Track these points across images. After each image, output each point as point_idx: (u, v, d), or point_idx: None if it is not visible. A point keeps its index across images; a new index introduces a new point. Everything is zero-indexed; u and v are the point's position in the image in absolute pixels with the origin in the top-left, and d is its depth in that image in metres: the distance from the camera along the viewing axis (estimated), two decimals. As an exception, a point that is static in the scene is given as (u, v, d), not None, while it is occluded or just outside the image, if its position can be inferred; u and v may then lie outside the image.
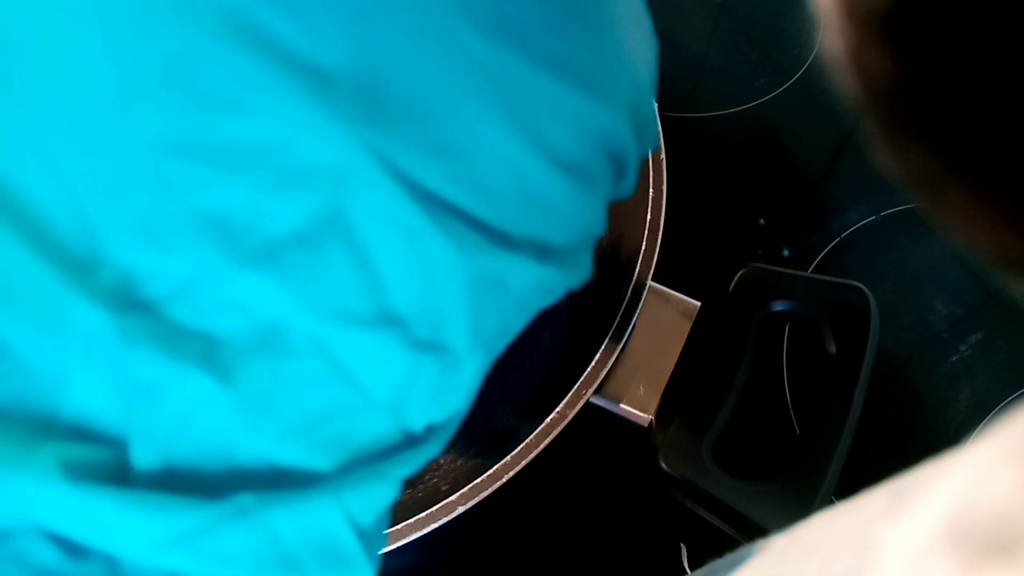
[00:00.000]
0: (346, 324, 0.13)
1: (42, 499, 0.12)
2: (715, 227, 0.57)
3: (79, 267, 0.12)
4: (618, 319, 0.42)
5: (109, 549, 0.13)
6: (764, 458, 0.50)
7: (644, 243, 0.43)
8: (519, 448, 0.38)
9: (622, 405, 0.43)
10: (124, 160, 0.11)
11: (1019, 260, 0.13)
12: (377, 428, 0.15)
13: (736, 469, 0.40)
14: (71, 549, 0.12)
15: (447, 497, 0.37)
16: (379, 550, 0.16)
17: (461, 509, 0.37)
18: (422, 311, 0.14)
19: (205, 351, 0.12)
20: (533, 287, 0.15)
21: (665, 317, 0.44)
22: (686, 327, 0.44)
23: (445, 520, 0.37)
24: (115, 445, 0.12)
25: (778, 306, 0.44)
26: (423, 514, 0.36)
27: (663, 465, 0.40)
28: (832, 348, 0.42)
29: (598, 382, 0.41)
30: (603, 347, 0.41)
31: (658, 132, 0.15)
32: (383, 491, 0.15)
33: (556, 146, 0.14)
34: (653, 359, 0.44)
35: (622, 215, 0.50)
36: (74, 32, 0.10)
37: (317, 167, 0.12)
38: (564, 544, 0.48)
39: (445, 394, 0.15)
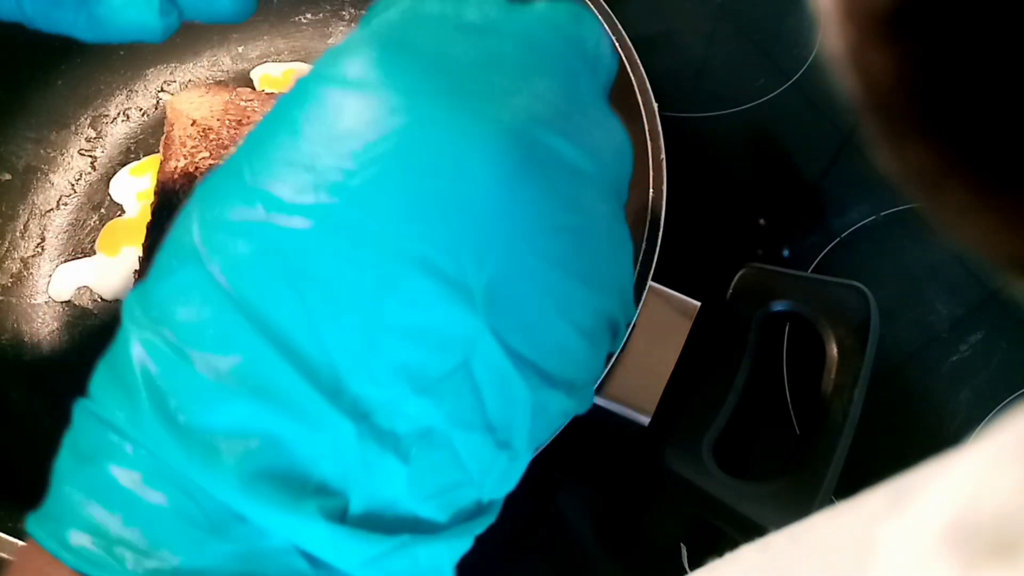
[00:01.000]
0: (465, 429, 0.23)
1: (302, 530, 0.21)
2: (715, 227, 0.57)
3: (332, 393, 0.21)
4: (618, 319, 0.42)
5: (335, 564, 0.22)
6: (764, 458, 0.50)
7: (644, 243, 0.43)
8: (519, 448, 0.38)
9: (622, 405, 0.43)
10: (358, 336, 0.21)
11: (1019, 260, 0.13)
12: (470, 498, 0.24)
13: (736, 469, 0.40)
14: (314, 562, 0.22)
15: (447, 497, 0.37)
16: None
17: (461, 509, 0.37)
18: (504, 423, 0.23)
19: (395, 444, 0.22)
20: (560, 412, 0.25)
21: (665, 317, 0.44)
22: (686, 327, 0.44)
23: (445, 520, 0.37)
24: (341, 498, 0.22)
25: (778, 306, 0.44)
26: (423, 514, 0.36)
27: (663, 465, 0.40)
28: (832, 348, 0.42)
29: (598, 382, 0.41)
30: (603, 347, 0.41)
31: (635, 305, 0.29)
32: (467, 544, 0.24)
33: (583, 326, 0.24)
34: (653, 359, 0.44)
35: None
36: (332, 270, 0.21)
37: (460, 338, 0.22)
38: (564, 544, 0.48)
39: (508, 479, 0.25)
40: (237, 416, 0.21)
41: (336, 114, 0.22)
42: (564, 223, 0.23)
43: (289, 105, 0.23)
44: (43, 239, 0.53)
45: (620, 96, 0.48)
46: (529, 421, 0.23)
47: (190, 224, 0.23)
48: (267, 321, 0.21)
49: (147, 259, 0.49)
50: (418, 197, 0.21)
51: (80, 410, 0.23)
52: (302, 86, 0.24)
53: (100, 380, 0.23)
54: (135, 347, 0.22)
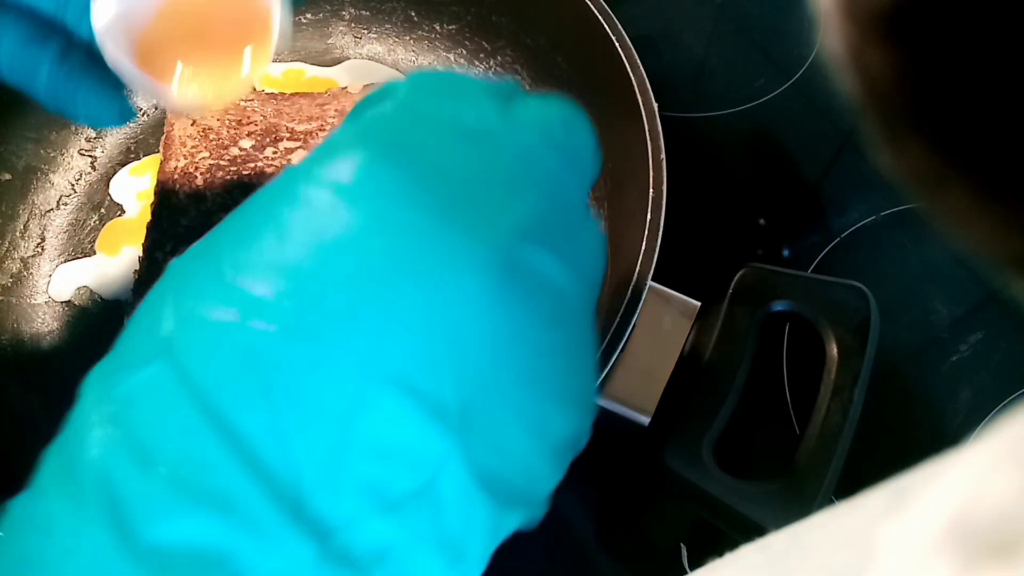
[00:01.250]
0: (423, 548, 0.22)
1: None
2: (715, 227, 0.57)
3: (293, 510, 0.20)
4: (618, 319, 0.42)
5: None
6: (764, 458, 0.50)
7: (644, 243, 0.43)
8: (519, 448, 0.38)
9: (622, 405, 0.43)
10: (326, 451, 0.21)
11: (1019, 260, 0.13)
12: None
13: (736, 469, 0.40)
14: None
15: (447, 497, 0.37)
16: None
17: (461, 509, 0.37)
18: (462, 541, 0.22)
19: (354, 565, 0.21)
20: (515, 525, 0.24)
21: (665, 317, 0.44)
22: (686, 327, 0.44)
23: (445, 520, 0.37)
24: None
25: (778, 306, 0.44)
26: (423, 514, 0.36)
27: (663, 465, 0.40)
28: (832, 348, 0.42)
29: (598, 382, 0.41)
30: (603, 347, 0.41)
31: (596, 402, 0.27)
32: None
33: (552, 446, 0.24)
34: (653, 359, 0.44)
35: (623, 215, 0.50)
36: (307, 381, 0.21)
37: (428, 457, 0.21)
38: (564, 544, 0.48)
39: None
40: (192, 529, 0.20)
41: (322, 220, 0.22)
42: (544, 343, 0.23)
43: (276, 201, 0.23)
44: (43, 239, 0.53)
45: (620, 96, 0.48)
46: (487, 539, 0.23)
47: (163, 311, 0.22)
48: (234, 430, 0.20)
49: (147, 259, 0.49)
50: (401, 312, 0.21)
51: (21, 504, 0.22)
52: (291, 182, 0.23)
53: (51, 471, 0.22)
54: (92, 444, 0.21)
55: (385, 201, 0.22)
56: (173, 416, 0.21)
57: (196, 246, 0.24)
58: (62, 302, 0.51)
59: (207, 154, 0.50)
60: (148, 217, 0.50)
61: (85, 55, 0.32)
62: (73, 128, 0.56)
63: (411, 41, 0.60)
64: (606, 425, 0.44)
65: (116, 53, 0.30)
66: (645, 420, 0.43)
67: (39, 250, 0.53)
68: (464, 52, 0.59)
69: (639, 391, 0.43)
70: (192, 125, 0.51)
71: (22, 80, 0.31)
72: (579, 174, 0.25)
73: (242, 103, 0.52)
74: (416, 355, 0.21)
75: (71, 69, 0.31)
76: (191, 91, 0.31)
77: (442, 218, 0.22)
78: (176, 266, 0.23)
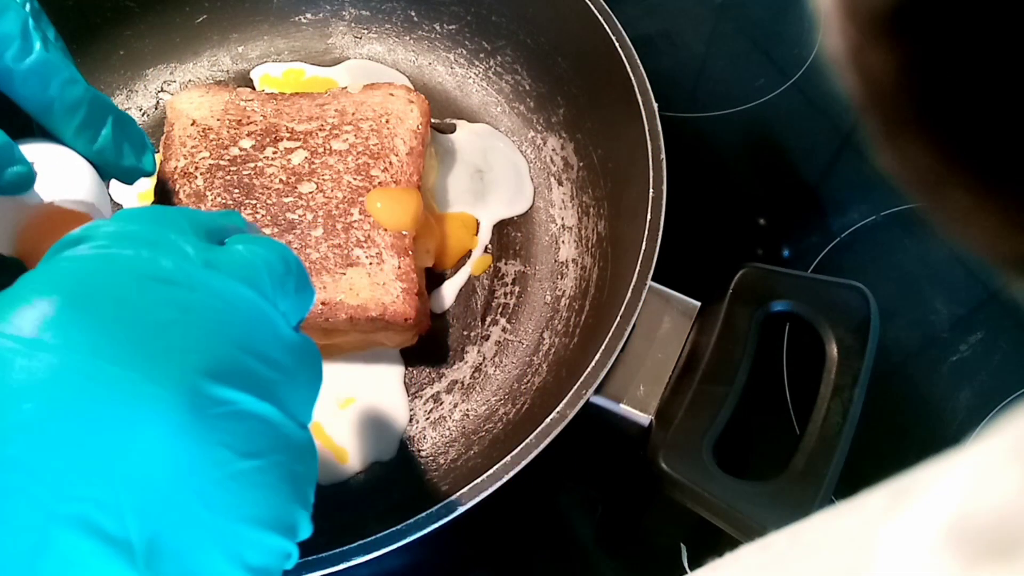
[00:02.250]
0: None
1: None
2: (715, 227, 0.57)
3: None
4: (618, 319, 0.42)
5: None
6: (764, 458, 0.50)
7: (644, 243, 0.43)
8: (519, 448, 0.38)
9: (622, 405, 0.43)
10: None
11: (1019, 260, 0.13)
12: None
13: (736, 469, 0.40)
14: None
15: (447, 497, 0.37)
16: None
17: (461, 509, 0.37)
18: None
19: None
20: None
21: (665, 317, 0.44)
22: (686, 327, 0.44)
23: (445, 520, 0.37)
24: None
25: (778, 306, 0.44)
26: (423, 514, 0.36)
27: (663, 465, 0.40)
28: (832, 348, 0.42)
29: (598, 382, 0.41)
30: (603, 347, 0.41)
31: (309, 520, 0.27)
32: None
33: (253, 565, 0.24)
34: (653, 359, 0.44)
35: (623, 215, 0.50)
36: None
37: None
38: (564, 544, 0.48)
39: None
40: None
41: (1, 370, 0.22)
42: (238, 470, 0.24)
43: None
44: (43, 239, 0.53)
45: (620, 96, 0.48)
46: None
47: None
48: None
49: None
50: (81, 457, 0.22)
51: None
52: None
53: None
54: None
55: (69, 351, 0.23)
56: None
57: None
58: (62, 302, 0.51)
59: (207, 154, 0.50)
60: (148, 217, 0.50)
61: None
62: (73, 128, 0.56)
63: (411, 41, 0.60)
64: (606, 425, 0.44)
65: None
66: (645, 420, 0.43)
67: (39, 250, 0.53)
68: (464, 52, 0.59)
69: (639, 391, 0.43)
70: (192, 125, 0.51)
71: None
72: (288, 306, 0.27)
73: (242, 103, 0.52)
74: (97, 497, 0.22)
75: None
76: None
77: (126, 365, 0.23)
78: None
